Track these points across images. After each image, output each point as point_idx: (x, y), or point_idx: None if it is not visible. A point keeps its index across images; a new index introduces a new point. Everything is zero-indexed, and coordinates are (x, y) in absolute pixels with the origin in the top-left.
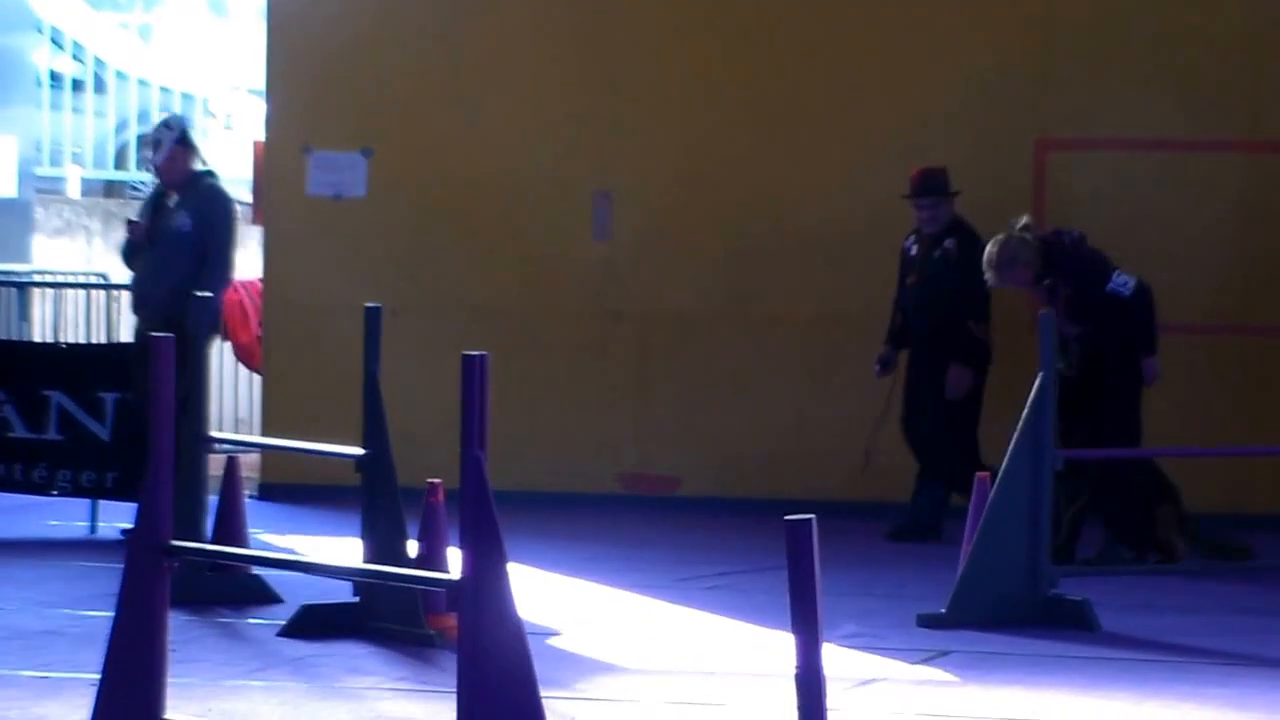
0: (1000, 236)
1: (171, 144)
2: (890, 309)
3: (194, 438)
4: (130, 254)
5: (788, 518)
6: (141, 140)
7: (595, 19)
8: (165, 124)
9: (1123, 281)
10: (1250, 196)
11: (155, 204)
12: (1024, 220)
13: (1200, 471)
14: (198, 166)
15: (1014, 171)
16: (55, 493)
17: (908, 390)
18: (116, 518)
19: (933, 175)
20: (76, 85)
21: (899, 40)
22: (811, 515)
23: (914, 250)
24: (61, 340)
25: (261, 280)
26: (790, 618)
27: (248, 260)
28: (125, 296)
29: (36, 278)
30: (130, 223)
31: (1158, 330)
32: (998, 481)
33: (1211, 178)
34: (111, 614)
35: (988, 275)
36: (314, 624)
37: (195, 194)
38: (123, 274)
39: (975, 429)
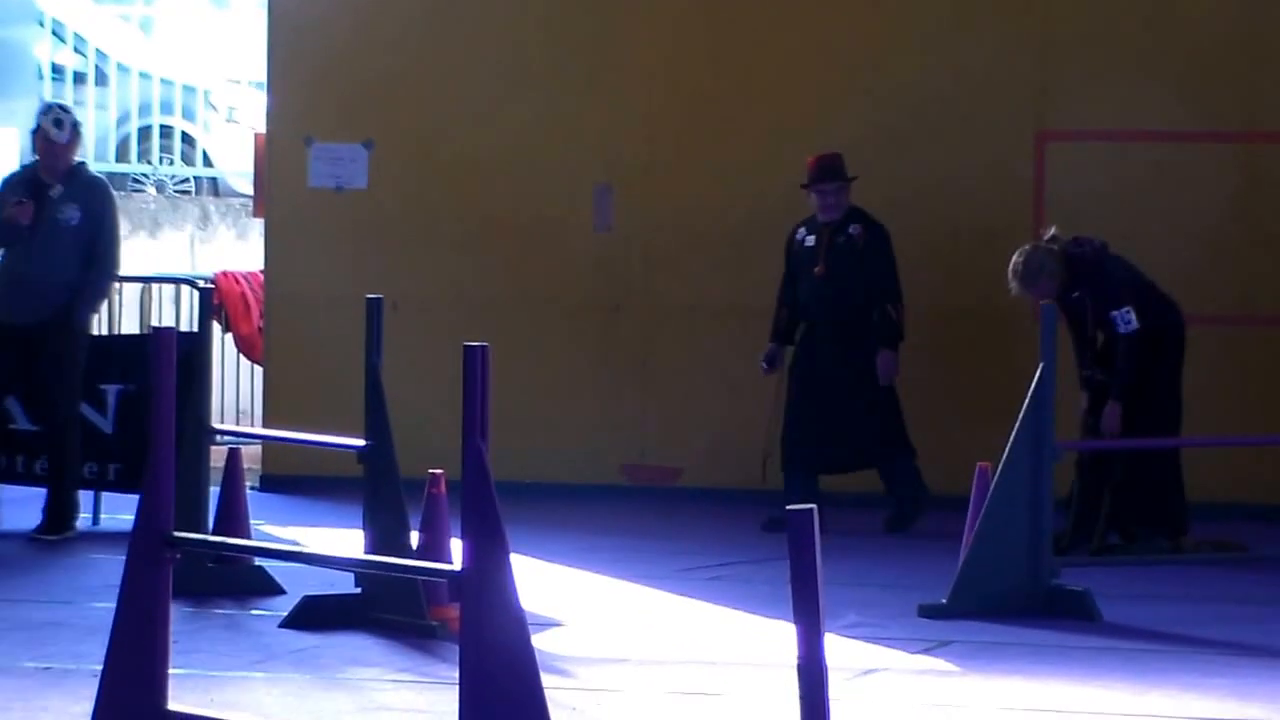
0: (1026, 247)
1: (72, 127)
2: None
3: (196, 429)
4: (10, 236)
5: (790, 507)
6: (43, 113)
7: (596, 11)
8: (62, 108)
9: (1126, 319)
10: (1250, 187)
11: (33, 189)
12: (1052, 231)
13: (1200, 461)
14: (78, 158)
15: (1014, 163)
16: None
17: (810, 395)
18: (119, 509)
19: (832, 161)
20: (78, 78)
21: (898, 33)
22: (813, 505)
23: (810, 241)
24: None
25: (263, 272)
26: (792, 608)
27: (249, 252)
28: (128, 289)
29: None
30: (19, 203)
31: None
32: (999, 472)
33: (1211, 169)
34: (114, 606)
35: (1011, 285)
36: (316, 615)
37: (80, 186)
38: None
39: (901, 410)
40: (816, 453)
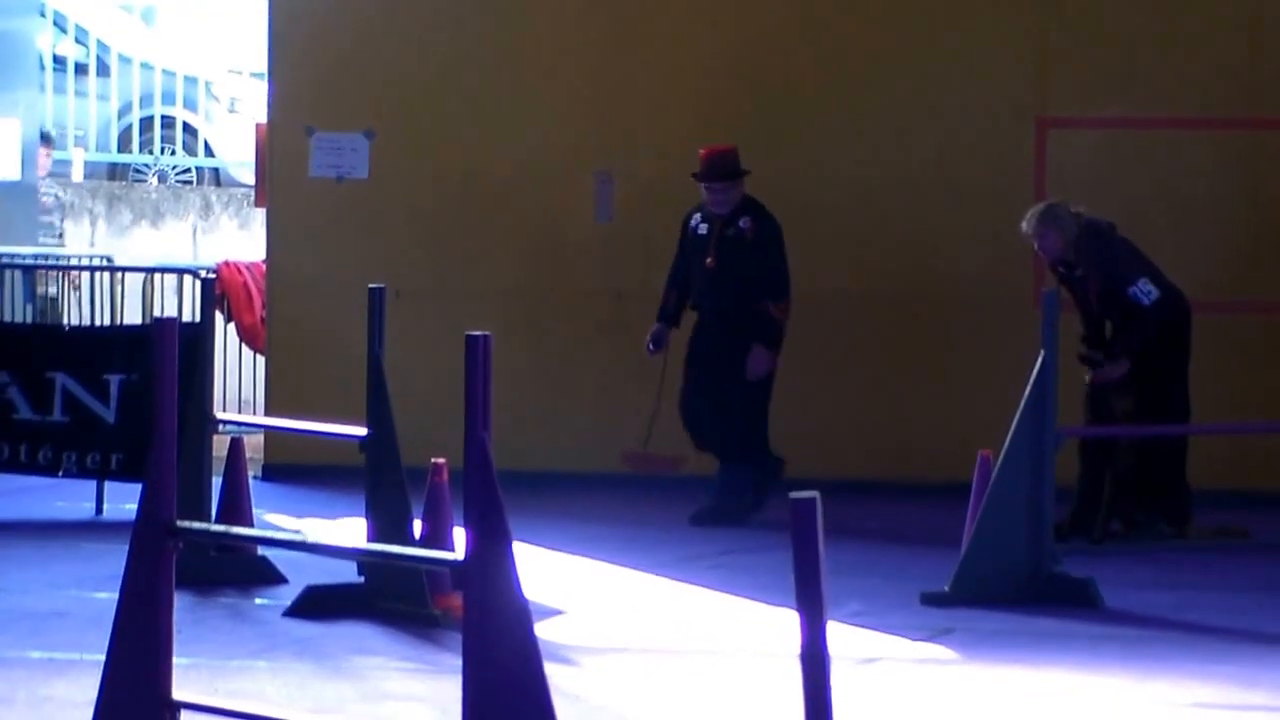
0: (1053, 198)
1: None
2: (665, 285)
3: (198, 419)
4: None
5: (793, 495)
6: None
7: (599, 0)
8: None
9: (1146, 290)
10: (1251, 173)
11: None
12: (1080, 208)
13: (1203, 448)
14: None
15: (1014, 149)
16: (61, 474)
17: (694, 371)
18: (122, 499)
19: (724, 157)
20: (80, 69)
21: (899, 18)
22: (816, 493)
23: (702, 230)
24: (65, 322)
25: (265, 262)
26: (795, 596)
27: (251, 242)
28: (130, 279)
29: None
30: None
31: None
32: (1000, 459)
33: (1212, 154)
34: (117, 595)
35: (1024, 223)
36: (319, 604)
37: None
38: (128, 256)
39: (767, 412)
40: (695, 434)
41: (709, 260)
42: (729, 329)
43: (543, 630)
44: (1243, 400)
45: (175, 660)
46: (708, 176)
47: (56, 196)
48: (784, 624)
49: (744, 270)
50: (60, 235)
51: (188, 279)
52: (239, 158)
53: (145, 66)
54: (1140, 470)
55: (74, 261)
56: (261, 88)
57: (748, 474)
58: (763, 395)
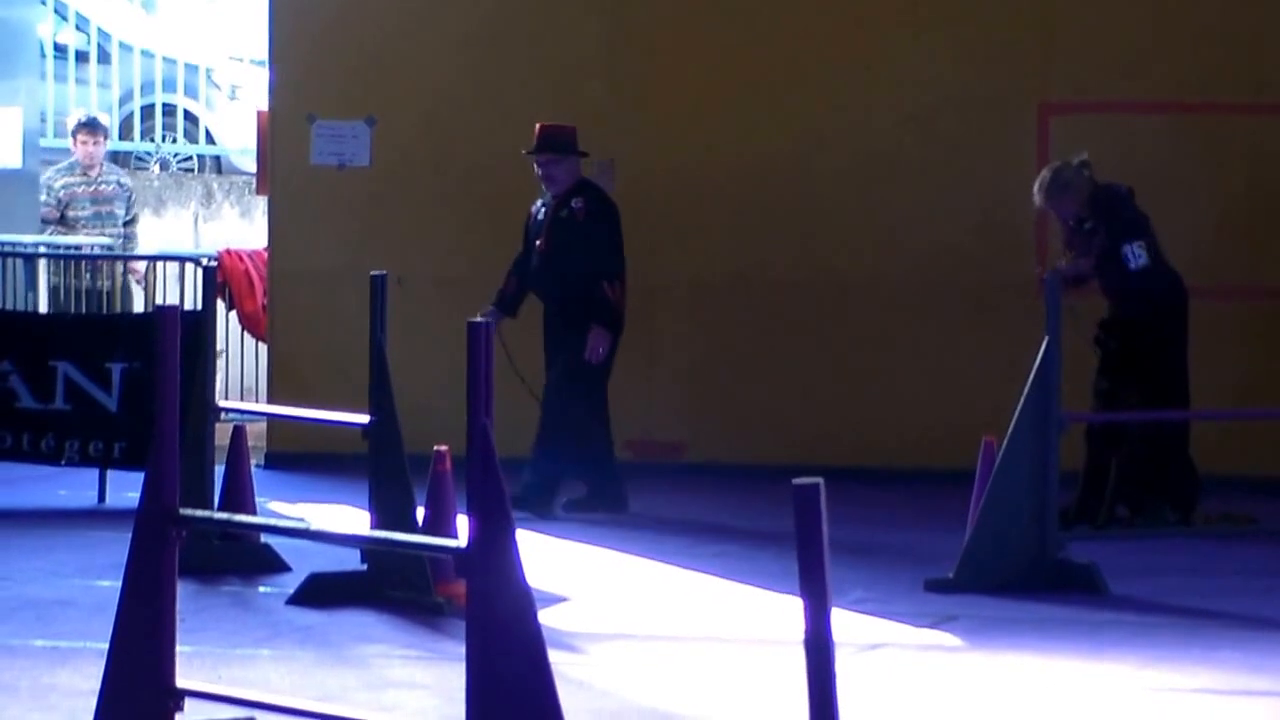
0: (1056, 163)
1: None
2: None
3: (201, 407)
4: None
5: (796, 481)
6: None
7: None
8: None
9: (1136, 253)
10: (1254, 158)
11: None
12: (1083, 156)
13: (1208, 433)
14: None
15: (1017, 135)
16: (63, 462)
17: (546, 357)
18: (125, 487)
19: (554, 132)
20: (80, 57)
21: (902, 5)
22: (819, 479)
23: (541, 215)
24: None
25: (266, 249)
26: (799, 583)
27: (253, 230)
28: (129, 267)
29: (43, 249)
30: None
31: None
32: (1004, 445)
33: (1215, 140)
34: (120, 584)
35: (1035, 197)
36: (322, 592)
37: None
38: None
39: (605, 395)
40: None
41: (539, 243)
42: (563, 313)
43: (546, 617)
44: (1249, 385)
45: (179, 648)
46: (536, 149)
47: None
48: (788, 611)
49: (575, 252)
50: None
51: (189, 267)
52: (240, 145)
53: (146, 54)
54: (1146, 456)
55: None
56: (262, 75)
57: (556, 465)
58: (596, 377)
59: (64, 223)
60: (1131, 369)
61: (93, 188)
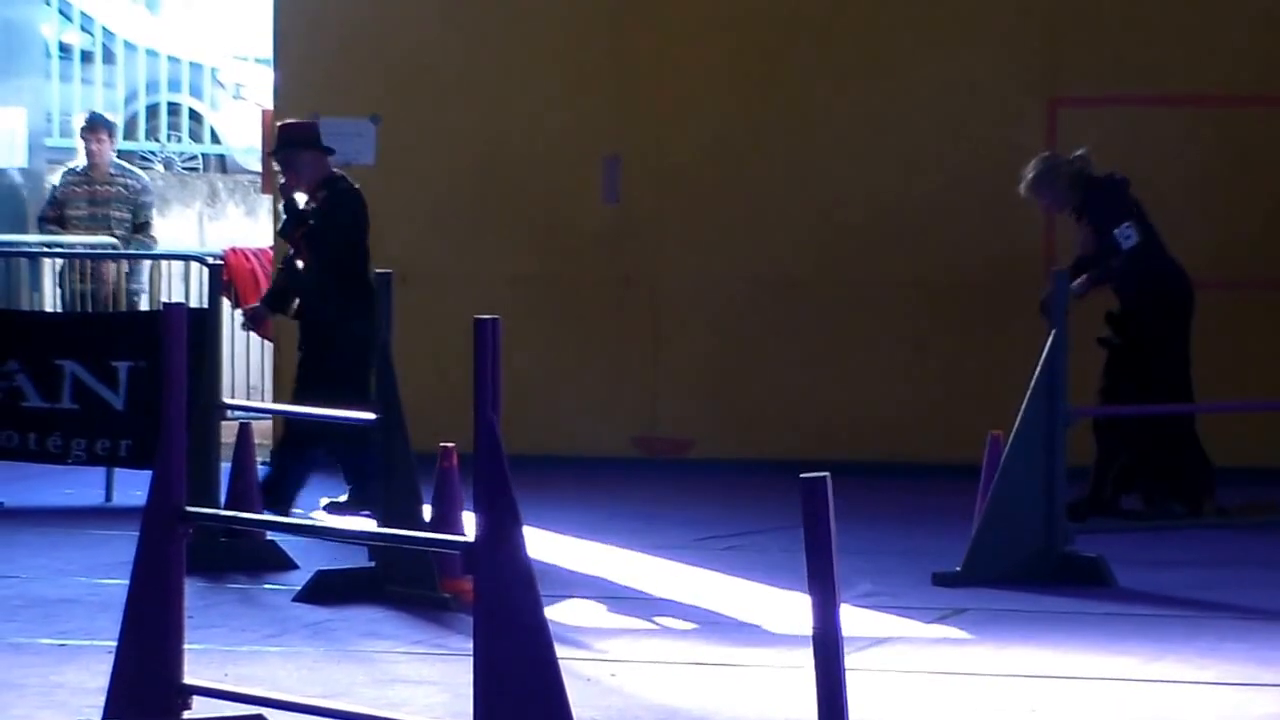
0: (1045, 154)
1: None
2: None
3: (207, 405)
4: None
5: (804, 475)
6: None
7: None
8: None
9: (1126, 234)
10: (1263, 150)
11: None
12: (1082, 151)
13: (1216, 426)
14: None
15: (1025, 129)
16: (70, 461)
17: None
18: (131, 486)
19: (295, 129)
20: (85, 56)
21: (910, 2)
22: (826, 473)
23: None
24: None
25: (272, 248)
26: (807, 577)
27: (258, 229)
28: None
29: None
30: None
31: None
32: (1011, 439)
33: (1224, 133)
34: (128, 581)
35: (1021, 191)
36: (329, 589)
37: None
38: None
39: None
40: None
41: (278, 240)
42: (314, 309)
43: (553, 612)
44: (1259, 377)
45: (186, 645)
46: (277, 147)
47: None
48: (797, 605)
49: (319, 248)
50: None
51: (195, 266)
52: (245, 144)
53: (150, 54)
54: (1154, 451)
55: (79, 249)
56: (267, 74)
57: (303, 465)
58: (326, 385)
59: (60, 222)
60: (1131, 363)
61: (91, 188)
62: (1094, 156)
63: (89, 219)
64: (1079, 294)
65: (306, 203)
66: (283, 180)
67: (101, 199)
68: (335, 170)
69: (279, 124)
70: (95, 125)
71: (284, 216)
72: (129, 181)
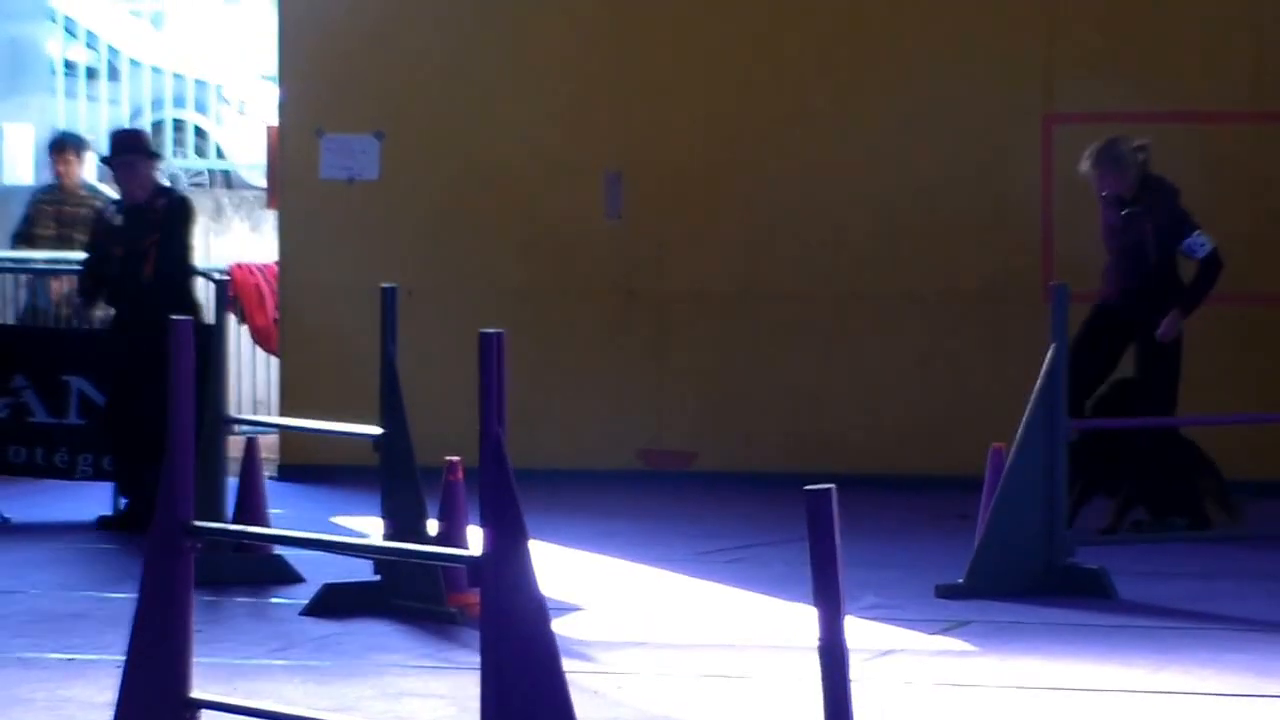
0: (1113, 135)
1: None
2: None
3: (213, 420)
4: None
5: (808, 488)
6: None
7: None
8: None
9: (1201, 242)
10: (1257, 167)
11: None
12: (1140, 142)
13: (1215, 439)
14: None
15: (1021, 146)
16: (77, 477)
17: (132, 365)
18: None
19: (129, 136)
20: (91, 73)
21: (906, 16)
22: (831, 485)
23: (119, 220)
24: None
25: (277, 263)
26: (812, 589)
27: (263, 244)
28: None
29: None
30: None
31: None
32: (1013, 452)
33: (1217, 149)
34: (135, 596)
35: (1083, 164)
36: (336, 603)
37: None
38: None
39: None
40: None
41: (118, 250)
42: (155, 318)
43: (560, 626)
44: (1256, 391)
45: (194, 660)
46: (115, 152)
47: (94, 209)
48: (801, 617)
49: (163, 254)
50: None
51: (200, 281)
52: (250, 160)
53: (155, 70)
54: (1157, 468)
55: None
56: (272, 90)
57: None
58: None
59: (28, 241)
60: (1140, 369)
61: (59, 208)
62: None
63: (55, 239)
64: (1171, 334)
65: (144, 210)
66: (124, 186)
67: (69, 219)
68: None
69: (116, 131)
70: (62, 145)
71: (116, 224)
72: (97, 204)
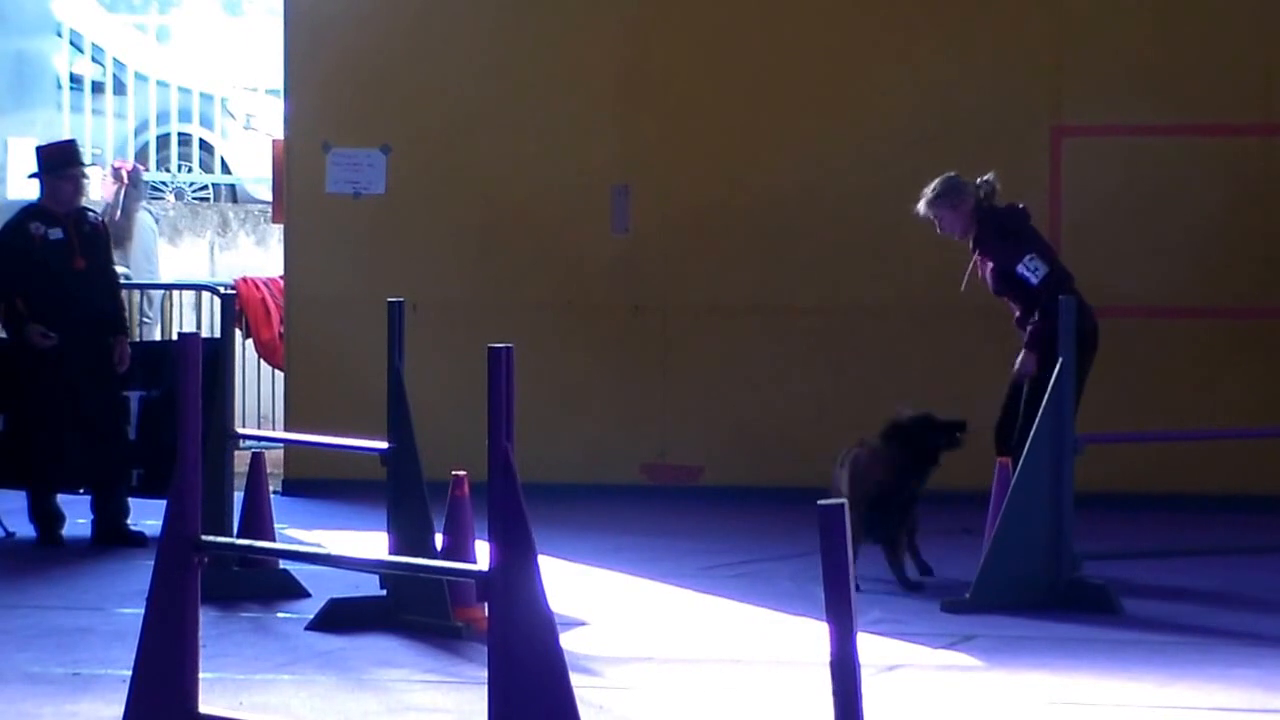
0: (949, 173)
1: None
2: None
3: (219, 434)
4: None
5: (821, 503)
6: None
7: (613, 14)
8: None
9: (1033, 268)
10: (1266, 179)
11: None
12: (989, 176)
13: (1215, 453)
14: None
15: (1030, 158)
16: (82, 491)
17: (80, 386)
18: (143, 515)
19: (65, 148)
20: (96, 87)
21: (914, 29)
22: (843, 500)
23: (56, 234)
24: None
25: (282, 278)
26: (825, 605)
27: (269, 258)
28: (152, 296)
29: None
30: None
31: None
32: (1019, 467)
33: (1227, 161)
34: (142, 610)
35: (920, 207)
36: (342, 617)
37: None
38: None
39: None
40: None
41: (77, 262)
42: (105, 331)
43: (567, 641)
44: (1258, 405)
45: (201, 674)
46: (59, 166)
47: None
48: (806, 632)
49: (108, 265)
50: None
51: (206, 295)
52: (256, 174)
53: (161, 84)
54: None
55: None
56: (277, 104)
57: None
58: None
59: None
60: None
61: None
62: (999, 185)
63: None
64: (1030, 373)
65: (78, 224)
66: (67, 198)
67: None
68: None
69: (47, 145)
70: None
71: (54, 236)
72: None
